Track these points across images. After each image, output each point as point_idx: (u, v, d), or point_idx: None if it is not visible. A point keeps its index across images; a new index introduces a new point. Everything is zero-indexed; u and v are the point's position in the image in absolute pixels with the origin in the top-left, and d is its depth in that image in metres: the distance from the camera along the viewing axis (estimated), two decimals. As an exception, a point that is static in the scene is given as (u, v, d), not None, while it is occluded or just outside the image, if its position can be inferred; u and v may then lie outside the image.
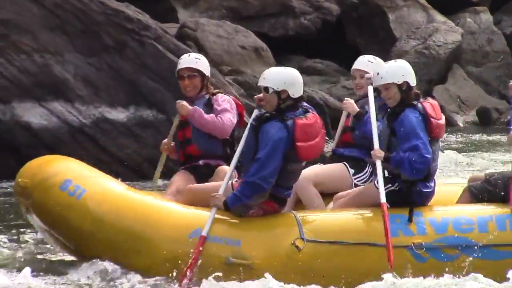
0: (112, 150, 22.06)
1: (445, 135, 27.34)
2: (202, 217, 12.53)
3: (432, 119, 12.74)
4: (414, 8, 28.96)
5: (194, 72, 13.88)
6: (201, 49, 24.67)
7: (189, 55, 14.92)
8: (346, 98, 14.60)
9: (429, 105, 12.89)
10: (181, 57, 14.62)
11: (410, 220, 12.43)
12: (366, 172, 13.87)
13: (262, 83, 12.87)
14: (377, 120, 13.38)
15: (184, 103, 14.12)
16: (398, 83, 12.89)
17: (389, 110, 13.10)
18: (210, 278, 12.19)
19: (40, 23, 22.19)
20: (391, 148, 12.87)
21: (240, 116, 14.24)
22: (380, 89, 13.22)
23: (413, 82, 13.04)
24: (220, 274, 12.18)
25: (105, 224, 12.38)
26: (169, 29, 24.97)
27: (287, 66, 27.26)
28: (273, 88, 12.56)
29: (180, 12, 27.23)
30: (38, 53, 22.08)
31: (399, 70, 13.12)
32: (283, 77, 12.68)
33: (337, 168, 14.20)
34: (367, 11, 29.06)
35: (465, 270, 12.01)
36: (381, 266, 12.04)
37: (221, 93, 14.25)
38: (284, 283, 12.04)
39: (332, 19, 29.87)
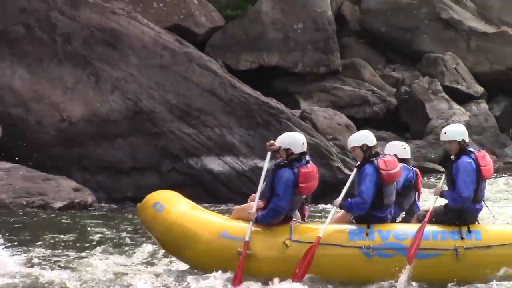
0: (262, 186, 21.47)
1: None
2: (228, 224, 12.38)
3: (382, 171, 11.91)
4: (441, 101, 28.01)
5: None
6: (314, 126, 24.42)
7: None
8: None
9: (382, 161, 12.12)
10: None
11: (366, 233, 11.80)
12: None
13: (278, 143, 12.47)
14: None
15: None
16: (359, 145, 12.16)
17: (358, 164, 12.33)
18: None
19: (219, 109, 21.28)
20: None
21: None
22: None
23: (371, 143, 12.29)
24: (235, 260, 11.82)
25: (172, 229, 12.35)
26: (295, 113, 23.81)
27: None
28: (282, 147, 12.12)
29: (301, 103, 26.61)
30: (217, 127, 21.07)
31: (359, 137, 12.36)
32: (288, 140, 12.26)
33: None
34: (413, 102, 28.03)
35: (398, 265, 11.56)
36: (340, 258, 11.81)
37: None
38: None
39: (392, 107, 28.58)
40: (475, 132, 27.69)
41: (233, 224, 12.32)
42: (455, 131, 12.03)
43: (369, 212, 12.01)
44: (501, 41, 30.02)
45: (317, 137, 21.63)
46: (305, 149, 12.20)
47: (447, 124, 26.11)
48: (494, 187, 23.16)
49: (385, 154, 12.48)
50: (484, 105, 28.91)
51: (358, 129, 25.07)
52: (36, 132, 20.06)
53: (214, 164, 20.86)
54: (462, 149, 11.85)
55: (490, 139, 28.58)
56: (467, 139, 11.99)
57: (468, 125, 26.37)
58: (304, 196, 12.44)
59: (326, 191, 15.19)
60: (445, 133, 12.03)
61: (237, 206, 12.96)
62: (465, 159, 11.71)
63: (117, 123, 20.37)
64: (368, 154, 12.05)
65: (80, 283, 11.74)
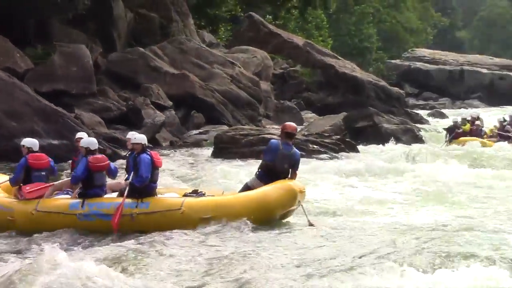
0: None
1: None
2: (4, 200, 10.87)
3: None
4: (150, 109, 26.42)
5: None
6: (83, 122, 22.97)
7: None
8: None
9: (93, 157, 10.64)
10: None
11: (82, 204, 10.40)
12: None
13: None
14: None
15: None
16: (85, 146, 10.80)
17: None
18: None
19: (31, 113, 20.99)
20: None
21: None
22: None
23: (93, 147, 10.82)
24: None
25: None
26: (72, 115, 22.81)
27: (112, 129, 25.55)
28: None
29: (76, 110, 24.34)
30: (30, 123, 20.77)
31: (87, 141, 10.88)
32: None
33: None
34: (136, 110, 26.14)
35: (100, 225, 10.22)
36: (70, 222, 10.33)
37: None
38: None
39: (125, 112, 26.24)
40: (168, 126, 27.49)
41: (1, 197, 10.96)
42: (141, 137, 10.85)
43: (84, 191, 10.70)
44: (182, 79, 30.17)
45: (85, 129, 20.84)
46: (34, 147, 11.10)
47: (153, 122, 25.93)
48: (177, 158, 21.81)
49: (98, 153, 10.94)
50: (172, 112, 28.64)
51: (106, 125, 25.27)
52: None
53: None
54: (143, 148, 10.69)
55: (175, 129, 28.10)
56: (147, 143, 10.88)
57: (163, 122, 26.55)
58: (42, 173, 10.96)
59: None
60: (135, 138, 10.86)
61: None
62: (145, 155, 10.58)
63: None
64: (87, 153, 10.73)
65: None
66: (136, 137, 10.92)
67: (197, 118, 30.32)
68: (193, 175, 17.20)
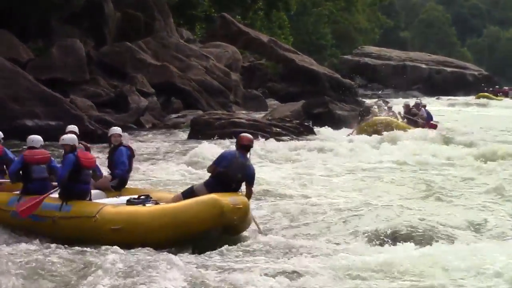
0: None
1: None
2: None
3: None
4: (135, 95, 25.16)
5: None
6: (77, 106, 22.41)
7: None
8: None
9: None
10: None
11: (19, 200, 8.53)
12: None
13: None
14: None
15: None
16: (71, 144, 8.70)
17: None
18: None
19: (33, 97, 20.75)
20: None
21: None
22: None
23: (36, 144, 8.98)
24: None
25: None
26: (68, 100, 22.58)
27: (102, 112, 24.75)
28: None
29: (71, 96, 23.77)
30: (31, 106, 20.41)
31: (70, 138, 8.85)
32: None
33: None
34: (123, 96, 25.23)
35: (26, 224, 8.37)
36: (5, 218, 8.61)
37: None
38: None
39: (113, 100, 25.84)
40: (151, 110, 26.98)
41: None
42: (69, 138, 8.82)
43: (25, 186, 8.88)
44: (163, 69, 29.41)
45: (77, 111, 21.20)
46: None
47: (138, 106, 25.00)
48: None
49: (36, 148, 9.02)
50: (155, 98, 28.08)
51: (97, 108, 24.47)
52: None
53: (30, 122, 20.26)
54: (71, 149, 8.73)
55: (157, 113, 27.53)
56: (77, 144, 8.85)
57: (147, 107, 26.15)
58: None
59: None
60: (63, 139, 8.84)
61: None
62: (71, 155, 8.57)
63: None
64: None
65: None
66: (64, 138, 8.98)
67: (176, 103, 29.98)
68: (173, 152, 17.06)
